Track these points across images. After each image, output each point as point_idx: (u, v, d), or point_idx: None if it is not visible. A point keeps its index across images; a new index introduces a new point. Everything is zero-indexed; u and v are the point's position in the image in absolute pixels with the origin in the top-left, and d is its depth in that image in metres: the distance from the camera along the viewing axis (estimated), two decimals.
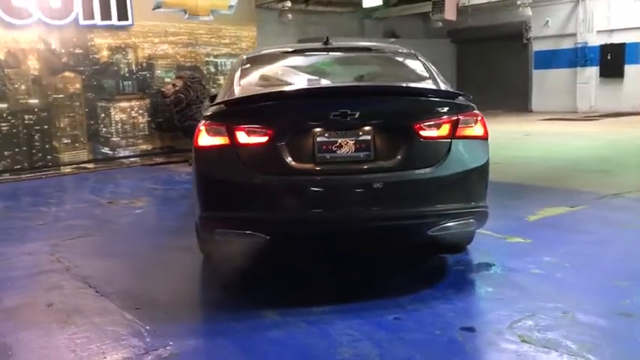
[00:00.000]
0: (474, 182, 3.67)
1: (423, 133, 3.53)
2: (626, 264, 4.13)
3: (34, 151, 9.03)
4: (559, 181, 7.23)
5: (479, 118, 3.69)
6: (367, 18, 21.18)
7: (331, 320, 3.33)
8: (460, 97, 3.70)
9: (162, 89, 9.56)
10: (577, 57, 18.48)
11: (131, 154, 9.95)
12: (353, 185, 3.49)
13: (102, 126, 9.68)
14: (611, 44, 17.68)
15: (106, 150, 9.74)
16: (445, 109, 3.59)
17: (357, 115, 3.46)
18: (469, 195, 3.65)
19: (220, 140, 3.55)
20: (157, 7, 10.00)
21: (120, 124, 9.81)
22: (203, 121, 3.66)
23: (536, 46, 19.75)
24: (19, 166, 8.90)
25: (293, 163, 3.48)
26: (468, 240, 4.38)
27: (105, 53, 9.60)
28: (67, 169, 9.28)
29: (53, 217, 6.39)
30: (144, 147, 10.02)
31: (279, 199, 3.51)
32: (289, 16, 17.65)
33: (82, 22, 9.25)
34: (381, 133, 3.53)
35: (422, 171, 3.52)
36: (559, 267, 4.10)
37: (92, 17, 9.33)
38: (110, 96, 9.70)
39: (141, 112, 9.99)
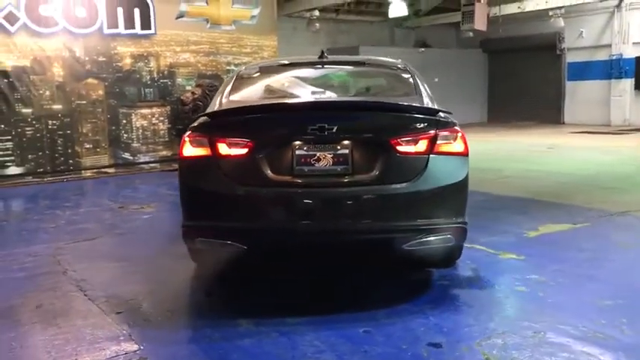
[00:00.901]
0: (451, 198, 3.68)
1: (400, 148, 3.56)
2: (615, 284, 4.06)
3: (56, 155, 9.35)
4: (569, 197, 7.12)
5: (458, 134, 3.70)
6: (398, 27, 21.17)
7: (303, 331, 3.38)
8: (440, 114, 3.72)
9: (181, 97, 9.77)
10: (612, 69, 18.09)
11: (151, 159, 10.20)
12: (330, 198, 3.55)
13: (123, 132, 9.95)
14: None
15: (126, 155, 10.00)
16: (423, 125, 3.62)
17: (334, 130, 3.52)
18: (446, 211, 3.66)
19: (203, 151, 3.65)
20: (180, 16, 10.25)
21: (141, 131, 10.07)
22: (188, 132, 3.77)
23: (570, 58, 19.41)
24: (41, 170, 9.22)
25: (272, 175, 3.55)
26: (456, 255, 4.37)
27: (128, 61, 9.88)
28: (88, 174, 9.57)
29: (65, 220, 6.60)
30: (164, 153, 10.26)
31: (257, 211, 3.58)
32: (317, 25, 17.78)
33: (106, 30, 9.55)
34: (359, 147, 3.58)
35: (398, 186, 3.55)
36: (545, 285, 4.06)
37: (116, 26, 9.63)
38: (132, 103, 9.96)
39: (161, 119, 10.23)
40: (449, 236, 3.67)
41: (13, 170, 9.00)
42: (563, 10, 16.80)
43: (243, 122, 3.67)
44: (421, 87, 4.28)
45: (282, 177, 3.56)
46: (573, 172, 8.94)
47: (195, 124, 3.80)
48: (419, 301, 3.82)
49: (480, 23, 16.98)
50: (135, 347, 3.22)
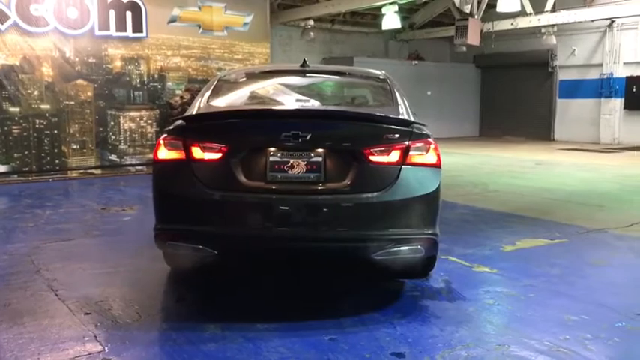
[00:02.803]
0: (421, 209, 3.70)
1: (372, 158, 3.59)
2: (582, 300, 4.09)
3: (43, 154, 9.34)
4: (550, 213, 7.16)
5: (431, 146, 3.73)
6: (392, 39, 21.30)
7: (269, 337, 3.39)
8: (414, 125, 3.75)
9: (170, 100, 9.80)
10: (602, 88, 18.24)
11: (138, 162, 10.20)
12: (301, 205, 3.57)
13: (111, 134, 9.96)
14: (638, 76, 17.43)
15: (113, 157, 10.01)
16: (396, 136, 3.65)
17: (308, 138, 3.54)
18: (416, 221, 3.69)
19: (177, 155, 3.67)
20: (172, 20, 10.29)
21: (128, 133, 10.08)
22: (163, 135, 3.79)
23: (562, 75, 19.56)
24: (27, 169, 9.21)
25: (244, 180, 3.57)
26: (429, 266, 4.41)
27: (118, 63, 9.91)
28: (74, 174, 9.56)
29: (45, 219, 6.59)
30: (151, 156, 10.21)
31: (228, 216, 3.60)
32: (311, 34, 17.85)
33: (97, 32, 9.59)
34: (333, 156, 3.61)
35: (369, 195, 3.57)
36: (514, 299, 4.09)
37: (107, 28, 9.66)
38: (121, 105, 9.97)
39: (150, 122, 10.24)
40: (419, 247, 3.70)
41: None
42: (555, 28, 16.93)
43: (218, 127, 3.70)
44: (399, 99, 4.32)
45: (254, 183, 3.58)
46: (558, 189, 8.99)
47: (171, 127, 3.83)
48: (388, 310, 3.84)
49: (473, 38, 17.07)
50: (99, 348, 3.22)
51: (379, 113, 3.86)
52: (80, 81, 9.60)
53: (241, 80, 4.67)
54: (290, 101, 4.27)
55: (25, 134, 9.15)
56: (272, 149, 3.60)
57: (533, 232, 6.06)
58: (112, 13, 9.65)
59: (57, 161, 9.48)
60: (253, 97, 4.44)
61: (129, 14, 9.80)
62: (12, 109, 9.01)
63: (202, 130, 3.71)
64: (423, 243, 3.70)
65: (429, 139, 3.75)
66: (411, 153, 3.65)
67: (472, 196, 8.45)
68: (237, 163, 3.58)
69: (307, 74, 4.66)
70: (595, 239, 5.84)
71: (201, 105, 4.12)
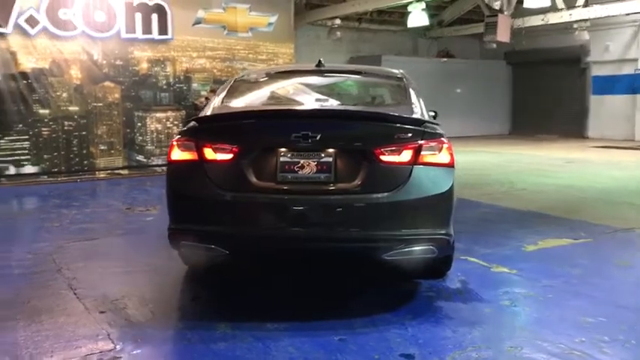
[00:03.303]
0: (434, 209, 3.66)
1: (383, 157, 3.56)
2: (603, 302, 3.99)
3: (71, 155, 9.55)
4: (577, 211, 7.00)
5: (444, 145, 3.68)
6: (421, 37, 21.13)
7: (279, 337, 3.39)
8: (427, 124, 3.71)
9: (195, 102, 9.90)
10: (637, 83, 17.79)
11: (164, 162, 10.31)
12: (311, 206, 3.56)
13: (138, 135, 10.12)
14: None
15: (140, 158, 10.16)
16: (408, 136, 3.61)
17: (318, 138, 3.53)
18: (428, 221, 3.64)
19: (189, 156, 3.70)
20: (197, 22, 10.40)
21: (155, 134, 10.22)
22: (177, 137, 3.83)
23: (595, 71, 19.13)
24: (56, 169, 9.43)
25: (255, 181, 3.58)
26: (445, 266, 4.36)
27: (144, 65, 10.06)
28: (102, 175, 9.74)
29: (70, 219, 6.73)
30: None
31: (239, 216, 3.61)
32: (338, 33, 17.84)
33: (123, 35, 9.75)
34: (343, 155, 3.59)
35: (379, 195, 3.54)
36: (532, 300, 4.02)
37: (134, 31, 9.82)
38: (147, 106, 10.12)
39: (176, 122, 10.37)
40: (431, 247, 3.65)
41: (29, 169, 9.22)
42: (588, 23, 16.55)
43: (229, 128, 3.72)
44: (414, 98, 4.27)
45: (265, 183, 3.59)
46: (587, 187, 8.80)
47: (185, 128, 3.86)
48: (400, 311, 3.80)
49: (503, 35, 16.83)
50: (111, 346, 3.26)
51: (391, 112, 3.83)
52: (107, 83, 9.78)
53: (256, 81, 4.69)
54: (303, 101, 4.27)
55: (54, 136, 9.36)
56: (283, 150, 3.60)
57: (558, 232, 5.93)
58: (137, 16, 9.80)
59: (85, 162, 9.67)
60: (267, 97, 4.45)
61: (154, 17, 9.94)
62: (42, 111, 9.23)
63: (214, 130, 3.73)
64: (436, 243, 3.65)
65: (441, 139, 3.69)
66: (422, 152, 3.60)
67: (498, 194, 8.33)
68: (248, 164, 3.59)
69: (322, 74, 4.65)
70: (622, 239, 5.69)
71: (216, 106, 4.15)
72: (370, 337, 3.40)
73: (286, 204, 3.56)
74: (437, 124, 3.79)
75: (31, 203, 8.12)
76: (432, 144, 3.65)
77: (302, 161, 3.58)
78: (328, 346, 3.28)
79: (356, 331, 3.48)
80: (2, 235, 6.12)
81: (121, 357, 3.16)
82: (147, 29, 9.91)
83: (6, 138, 8.99)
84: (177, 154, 3.76)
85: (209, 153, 3.64)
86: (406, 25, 18.44)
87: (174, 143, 3.78)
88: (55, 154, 9.40)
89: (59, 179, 9.37)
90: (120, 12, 9.63)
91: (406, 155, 3.58)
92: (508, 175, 10.24)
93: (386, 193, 3.55)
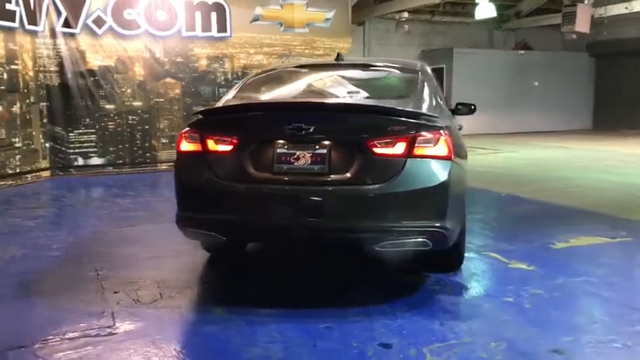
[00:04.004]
0: (427, 201, 3.63)
1: (376, 150, 3.58)
2: (613, 302, 3.83)
3: (135, 148, 10.09)
4: (628, 210, 6.64)
5: (441, 138, 3.65)
6: (497, 29, 20.53)
7: (268, 322, 3.50)
8: (423, 117, 3.69)
9: None
10: None
11: None
12: (305, 196, 3.64)
13: None
14: None
15: None
16: (401, 128, 3.61)
17: (311, 130, 3.61)
18: (421, 214, 3.63)
19: (194, 147, 3.89)
20: (255, 19, 10.67)
21: None
22: (185, 129, 4.03)
23: None
24: (121, 161, 10.00)
25: (253, 171, 3.71)
26: (455, 260, 4.33)
27: (204, 62, 10.45)
28: (163, 167, 10.21)
29: (121, 207, 7.16)
30: None
31: (237, 205, 3.76)
32: (406, 26, 17.67)
33: (184, 33, 10.16)
34: (337, 147, 3.65)
35: (371, 187, 3.57)
36: (538, 298, 3.90)
37: (194, 29, 10.21)
38: (206, 102, 10.46)
39: None
40: (424, 240, 3.63)
41: (96, 161, 9.82)
42: None
43: (230, 120, 3.88)
44: (424, 90, 4.25)
45: (262, 174, 3.70)
46: None
47: (192, 121, 4.05)
48: (397, 303, 3.81)
49: (582, 25, 16.08)
50: (110, 323, 3.50)
51: (387, 105, 3.83)
52: (169, 79, 10.24)
53: (271, 76, 4.82)
54: (304, 95, 4.36)
55: (119, 129, 9.92)
56: (280, 142, 3.70)
57: (597, 230, 5.69)
58: (197, 15, 10.19)
59: (147, 154, 10.19)
60: (276, 92, 4.57)
61: (214, 15, 10.30)
62: (107, 106, 9.80)
63: (215, 123, 3.90)
64: (429, 236, 3.63)
65: (438, 131, 3.66)
66: (417, 145, 3.60)
67: (549, 191, 8.04)
68: (247, 155, 3.72)
69: (336, 68, 4.72)
70: None
71: (225, 100, 4.32)
72: (356, 326, 3.44)
73: (280, 194, 3.67)
74: (436, 117, 3.77)
75: (92, 192, 8.67)
76: (428, 136, 3.63)
77: (298, 153, 3.67)
78: (312, 333, 3.36)
79: (347, 319, 3.53)
80: (55, 221, 6.63)
81: (116, 333, 3.38)
82: (206, 27, 10.28)
83: (75, 132, 9.61)
84: (185, 146, 3.95)
85: (211, 144, 3.81)
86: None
87: (183, 135, 3.97)
88: (120, 146, 9.96)
89: (124, 170, 9.93)
90: (180, 11, 10.05)
91: (400, 147, 3.59)
92: (569, 172, 9.85)
93: (378, 185, 3.57)
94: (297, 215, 3.64)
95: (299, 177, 3.69)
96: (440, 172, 3.65)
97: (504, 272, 4.49)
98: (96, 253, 5.02)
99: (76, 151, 9.66)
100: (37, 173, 9.23)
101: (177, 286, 4.29)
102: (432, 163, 3.65)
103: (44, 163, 9.39)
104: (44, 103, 9.34)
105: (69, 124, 9.58)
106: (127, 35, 9.77)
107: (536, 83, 20.32)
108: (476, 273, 4.46)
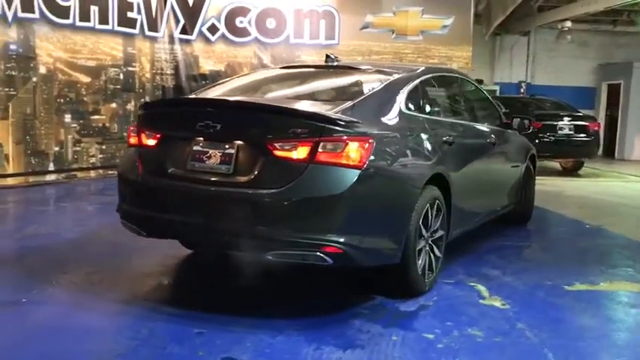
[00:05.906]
0: (324, 212, 3.29)
1: (277, 152, 3.35)
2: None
3: None
4: None
5: (351, 145, 3.30)
6: None
7: (155, 320, 3.43)
8: (331, 120, 3.35)
9: None
10: None
11: None
12: (204, 196, 3.54)
13: None
14: None
15: None
16: (304, 131, 3.32)
17: (218, 128, 3.50)
18: (315, 225, 3.30)
19: (133, 140, 3.99)
20: (365, 27, 10.56)
21: None
22: (133, 124, 4.16)
23: None
24: None
25: (169, 167, 3.69)
26: (396, 284, 3.90)
27: None
28: None
29: None
30: None
31: (151, 200, 3.77)
32: (568, 37, 16.08)
33: (292, 40, 10.43)
34: (245, 148, 3.48)
35: (267, 191, 3.35)
36: (465, 339, 3.30)
37: (302, 36, 10.43)
38: None
39: None
40: (318, 254, 3.30)
41: None
42: None
43: (156, 115, 3.92)
44: (380, 94, 3.93)
45: (177, 171, 3.66)
46: None
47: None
48: (299, 321, 3.49)
49: None
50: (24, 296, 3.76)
51: (289, 106, 3.56)
52: None
53: (245, 75, 4.78)
54: (240, 93, 4.25)
55: None
56: (199, 139, 3.63)
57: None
58: (306, 22, 10.38)
59: None
60: (223, 90, 4.45)
61: (322, 22, 10.41)
62: None
63: (146, 117, 3.95)
64: (325, 251, 3.29)
65: (347, 137, 3.32)
66: (320, 150, 3.30)
67: (621, 222, 6.78)
68: (167, 150, 3.72)
69: (316, 70, 4.54)
70: None
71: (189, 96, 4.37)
72: (227, 336, 3.21)
73: (184, 192, 3.60)
74: (356, 122, 3.41)
75: None
76: (333, 142, 3.31)
77: (210, 151, 3.57)
78: (179, 335, 3.22)
79: (226, 328, 3.33)
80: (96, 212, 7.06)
81: (24, 302, 3.60)
82: (314, 34, 10.43)
83: None
84: (130, 140, 4.07)
85: (143, 139, 3.87)
86: None
87: (129, 129, 4.11)
88: None
89: None
90: (290, 19, 10.33)
91: (302, 152, 3.32)
92: None
93: (273, 190, 3.34)
94: (195, 215, 3.55)
95: (206, 176, 3.58)
96: (341, 182, 3.30)
97: (467, 306, 3.86)
98: (108, 243, 5.37)
99: None
100: None
101: (140, 280, 4.30)
102: (335, 171, 3.31)
103: None
104: None
105: None
106: (237, 42, 10.31)
107: None
108: (431, 302, 3.90)
